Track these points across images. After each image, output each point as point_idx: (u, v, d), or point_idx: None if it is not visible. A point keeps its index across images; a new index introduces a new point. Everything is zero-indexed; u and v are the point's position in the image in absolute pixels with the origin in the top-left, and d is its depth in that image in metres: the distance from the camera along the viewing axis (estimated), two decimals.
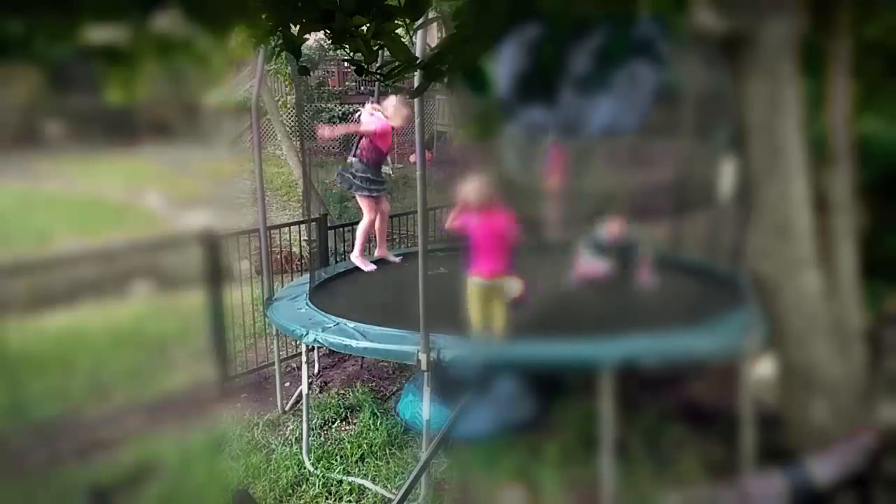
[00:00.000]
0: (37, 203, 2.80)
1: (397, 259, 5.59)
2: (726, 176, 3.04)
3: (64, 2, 1.79)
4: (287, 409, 5.25)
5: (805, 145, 2.54)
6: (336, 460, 4.43)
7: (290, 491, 4.14)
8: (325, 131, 5.88)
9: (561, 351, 3.42)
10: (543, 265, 4.37)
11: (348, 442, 4.62)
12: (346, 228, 6.40)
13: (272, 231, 5.72)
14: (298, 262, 7.25)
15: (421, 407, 3.96)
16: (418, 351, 3.73)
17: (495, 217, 3.80)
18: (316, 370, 5.82)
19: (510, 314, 3.83)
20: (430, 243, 4.49)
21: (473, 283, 3.85)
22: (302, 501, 4.06)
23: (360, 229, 5.39)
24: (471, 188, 3.78)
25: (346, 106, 14.13)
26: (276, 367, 5.24)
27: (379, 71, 2.31)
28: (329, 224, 6.40)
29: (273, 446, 4.66)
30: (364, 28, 2.05)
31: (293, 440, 4.74)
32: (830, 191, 2.65)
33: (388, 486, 4.12)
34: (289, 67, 11.06)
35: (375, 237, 5.64)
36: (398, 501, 3.64)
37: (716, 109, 3.22)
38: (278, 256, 6.70)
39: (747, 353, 3.06)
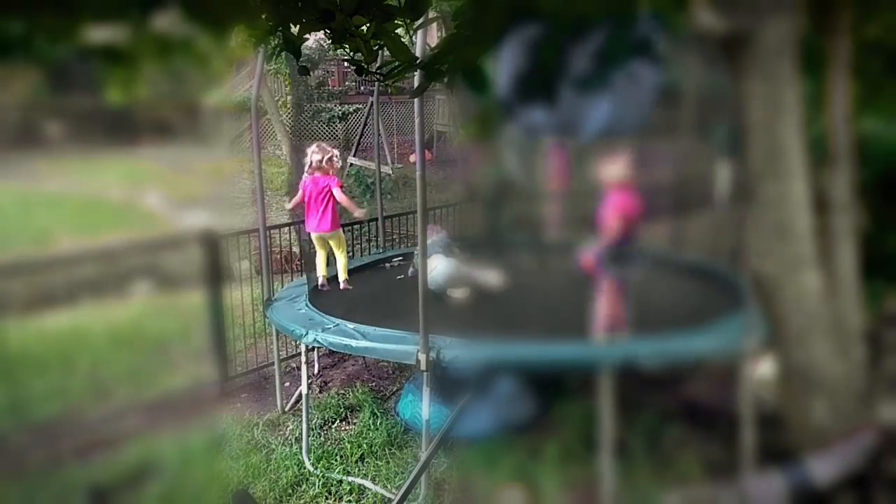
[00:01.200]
0: (37, 203, 2.80)
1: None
2: (723, 176, 3.04)
3: (64, 2, 1.79)
4: (287, 409, 5.25)
5: (805, 145, 2.54)
6: (336, 460, 4.43)
7: (290, 491, 4.14)
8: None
9: (561, 351, 3.42)
10: (543, 264, 4.37)
11: (348, 442, 4.62)
12: (344, 228, 6.38)
13: (272, 231, 5.72)
14: (298, 262, 7.24)
15: (421, 407, 3.96)
16: (418, 351, 3.73)
17: (324, 181, 4.96)
18: (316, 370, 5.83)
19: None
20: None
21: (313, 237, 5.11)
22: (302, 501, 4.06)
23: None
24: (314, 157, 4.96)
25: (346, 106, 14.11)
26: (276, 367, 5.24)
27: (379, 71, 2.31)
28: None
29: (273, 446, 4.66)
30: (364, 28, 2.05)
31: (293, 440, 4.74)
32: (830, 191, 2.65)
33: (388, 486, 4.12)
34: (289, 67, 11.06)
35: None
36: (398, 501, 3.64)
37: (716, 109, 3.22)
38: (278, 256, 6.71)
39: (747, 353, 3.06)
